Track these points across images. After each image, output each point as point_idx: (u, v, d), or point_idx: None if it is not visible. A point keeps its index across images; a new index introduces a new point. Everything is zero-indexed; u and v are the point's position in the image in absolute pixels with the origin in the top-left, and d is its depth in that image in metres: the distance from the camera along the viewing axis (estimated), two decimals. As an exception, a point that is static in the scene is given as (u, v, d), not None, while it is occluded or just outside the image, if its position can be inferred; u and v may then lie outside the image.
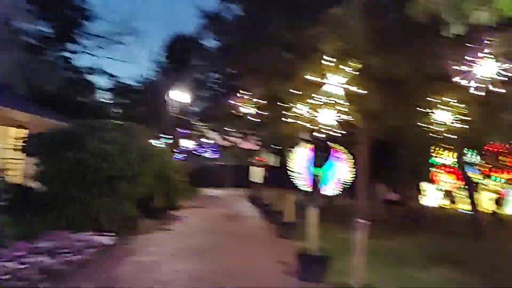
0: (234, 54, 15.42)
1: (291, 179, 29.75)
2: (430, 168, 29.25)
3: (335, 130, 11.70)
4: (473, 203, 15.29)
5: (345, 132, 11.89)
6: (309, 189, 26.25)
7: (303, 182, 30.35)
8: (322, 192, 29.36)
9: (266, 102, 13.60)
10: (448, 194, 29.26)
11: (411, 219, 19.47)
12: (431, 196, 29.44)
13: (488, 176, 27.18)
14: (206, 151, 29.83)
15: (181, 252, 9.13)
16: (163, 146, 23.20)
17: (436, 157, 28.92)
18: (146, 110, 25.29)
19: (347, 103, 10.49)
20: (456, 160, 29.04)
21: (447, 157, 28.56)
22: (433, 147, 28.32)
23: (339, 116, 11.48)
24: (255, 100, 14.43)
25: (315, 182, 24.54)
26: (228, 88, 17.42)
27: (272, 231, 12.56)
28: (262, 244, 10.85)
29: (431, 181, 29.43)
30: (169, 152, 18.99)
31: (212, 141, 29.10)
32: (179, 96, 20.97)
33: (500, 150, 26.40)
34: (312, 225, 7.59)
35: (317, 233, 7.72)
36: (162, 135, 25.06)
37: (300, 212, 12.54)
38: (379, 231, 11.10)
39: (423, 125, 11.29)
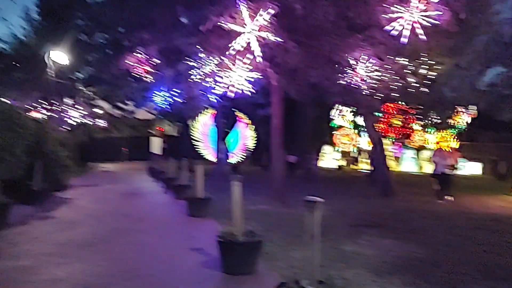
0: (123, 6, 12.86)
1: (195, 149, 27.87)
2: (331, 131, 29.40)
3: (247, 89, 10.09)
4: (379, 163, 14.87)
5: (254, 92, 10.33)
6: (214, 159, 24.73)
7: (207, 151, 28.75)
8: (229, 160, 28.04)
9: (165, 60, 11.42)
10: (347, 155, 29.67)
11: (309, 180, 19.08)
12: (331, 157, 29.71)
13: (384, 136, 27.94)
14: (96, 121, 26.54)
15: (65, 249, 6.93)
16: (43, 116, 19.74)
17: (336, 119, 29.03)
18: (21, 75, 21.34)
19: (261, 55, 8.88)
20: (351, 121, 29.71)
21: (346, 119, 28.82)
22: (336, 108, 28.37)
23: (251, 73, 9.90)
24: (152, 59, 12.15)
25: (220, 150, 23.00)
26: (119, 47, 14.76)
27: (180, 209, 10.75)
28: (170, 228, 9.00)
29: (332, 143, 29.64)
30: (49, 124, 15.96)
31: (102, 111, 25.96)
32: (61, 58, 17.67)
33: (393, 111, 27.14)
34: (236, 203, 5.94)
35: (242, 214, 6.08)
36: (41, 104, 21.43)
37: (206, 184, 10.97)
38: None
39: (343, 82, 10.18)
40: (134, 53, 12.30)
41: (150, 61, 11.72)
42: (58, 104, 20.78)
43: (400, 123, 27.03)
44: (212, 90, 12.17)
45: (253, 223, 8.73)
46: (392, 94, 11.07)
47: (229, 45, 8.51)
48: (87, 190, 14.66)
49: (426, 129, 26.79)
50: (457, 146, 24.56)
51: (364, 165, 28.45)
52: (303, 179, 19.71)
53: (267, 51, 8.82)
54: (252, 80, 10.41)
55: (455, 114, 24.74)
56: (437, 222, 9.91)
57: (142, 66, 11.95)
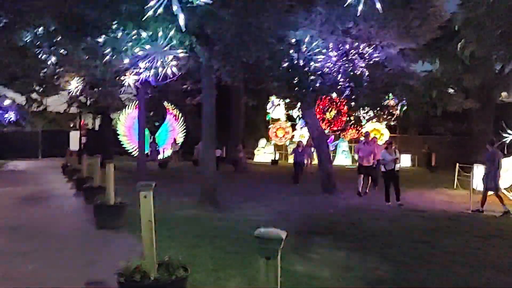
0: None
1: (119, 144, 25.08)
2: (267, 125, 27.94)
3: (172, 72, 8.15)
4: (322, 158, 13.49)
5: (180, 75, 8.41)
6: (139, 153, 22.20)
7: (132, 146, 26.04)
8: (157, 155, 25.55)
9: (68, 34, 9.01)
10: (281, 148, 28.37)
11: (242, 177, 17.56)
12: (266, 151, 28.24)
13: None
14: (5, 114, 22.93)
15: None
16: None
17: (271, 112, 27.60)
18: None
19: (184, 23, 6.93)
20: (286, 114, 28.42)
21: (281, 112, 27.49)
22: (272, 101, 26.89)
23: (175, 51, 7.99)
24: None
25: (147, 145, 20.59)
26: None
27: (88, 219, 8.52)
28: (66, 248, 6.77)
29: (267, 137, 28.19)
30: None
31: (10, 102, 22.45)
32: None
33: (326, 104, 26.20)
34: (146, 228, 3.97)
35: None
36: None
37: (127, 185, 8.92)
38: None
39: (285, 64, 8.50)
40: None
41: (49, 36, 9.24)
42: None
43: (332, 116, 26.20)
44: (130, 74, 10.03)
45: (177, 240, 6.84)
46: (339, 79, 9.60)
47: (145, 8, 6.44)
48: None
49: (360, 122, 26.12)
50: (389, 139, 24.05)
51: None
52: (233, 176, 18.02)
53: (194, 19, 6.88)
54: (176, 62, 8.48)
55: (387, 107, 24.15)
56: (392, 224, 8.57)
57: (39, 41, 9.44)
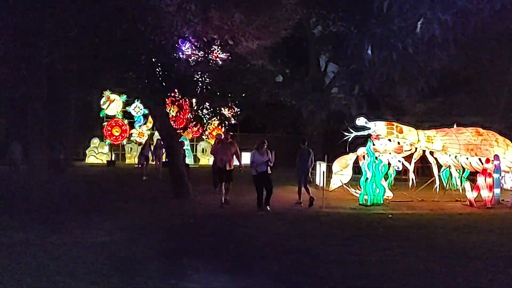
0: None
1: None
2: (101, 122, 24.96)
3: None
4: (173, 159, 12.17)
5: None
6: None
7: None
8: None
9: None
10: (117, 149, 25.80)
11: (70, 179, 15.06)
12: (100, 151, 25.30)
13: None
14: None
15: None
16: None
17: (106, 109, 24.81)
18: None
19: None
20: (122, 111, 25.81)
21: (117, 108, 24.94)
22: (106, 96, 24.05)
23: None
24: None
25: None
26: None
27: None
28: None
29: (102, 136, 25.27)
30: None
31: None
32: None
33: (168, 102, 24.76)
34: None
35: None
36: None
37: None
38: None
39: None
40: None
41: None
42: None
43: (174, 114, 24.85)
44: None
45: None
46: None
47: None
48: None
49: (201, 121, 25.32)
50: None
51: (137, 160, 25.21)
52: (59, 180, 15.34)
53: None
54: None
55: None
56: (262, 232, 7.82)
57: None
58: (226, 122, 24.21)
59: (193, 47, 8.11)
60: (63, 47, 6.56)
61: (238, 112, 21.23)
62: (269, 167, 9.59)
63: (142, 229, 7.89)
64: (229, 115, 22.22)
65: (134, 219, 8.77)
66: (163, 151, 15.99)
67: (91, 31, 6.06)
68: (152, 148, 16.92)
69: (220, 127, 24.21)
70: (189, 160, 25.34)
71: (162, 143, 16.58)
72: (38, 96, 7.35)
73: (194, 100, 19.79)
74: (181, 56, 8.26)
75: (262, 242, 7.11)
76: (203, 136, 25.12)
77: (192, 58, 8.09)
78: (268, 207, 9.66)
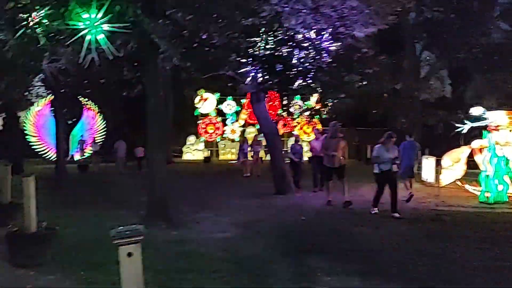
0: None
1: (29, 146, 21.54)
2: (196, 120, 25.80)
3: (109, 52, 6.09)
4: (275, 156, 11.97)
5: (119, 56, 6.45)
6: (53, 156, 19.00)
7: (45, 148, 22.52)
8: (74, 156, 22.29)
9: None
10: (212, 145, 26.46)
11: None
12: (196, 148, 26.17)
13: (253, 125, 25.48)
14: None
15: None
16: None
17: (200, 107, 25.55)
18: None
19: None
20: (216, 109, 26.41)
21: (211, 107, 25.58)
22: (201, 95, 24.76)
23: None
24: None
25: (59, 146, 17.43)
26: None
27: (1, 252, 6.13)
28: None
29: (197, 133, 26.12)
30: None
31: None
32: None
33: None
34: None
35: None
36: None
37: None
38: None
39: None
40: None
41: None
42: None
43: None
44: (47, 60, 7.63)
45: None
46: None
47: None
48: None
49: (293, 116, 25.13)
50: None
51: (230, 156, 25.67)
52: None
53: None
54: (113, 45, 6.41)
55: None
56: (382, 233, 7.28)
57: None
58: (317, 116, 23.81)
59: (304, 38, 7.76)
60: (182, 45, 6.59)
61: (329, 106, 20.61)
62: (395, 165, 8.51)
63: (255, 226, 7.76)
64: (321, 109, 21.77)
65: (245, 216, 8.69)
66: (261, 148, 15.98)
67: (212, 23, 6.01)
68: (249, 145, 16.95)
69: (310, 121, 23.91)
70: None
71: (259, 139, 16.62)
72: (154, 95, 7.46)
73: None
74: (294, 47, 7.97)
75: (386, 243, 6.58)
76: (293, 132, 24.82)
77: (305, 49, 7.75)
78: (397, 213, 8.33)
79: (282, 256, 5.82)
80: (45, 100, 22.79)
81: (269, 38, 7.51)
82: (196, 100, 25.27)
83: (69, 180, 15.24)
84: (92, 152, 22.20)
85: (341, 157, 9.51)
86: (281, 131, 24.93)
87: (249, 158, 16.48)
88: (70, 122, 24.22)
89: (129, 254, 2.29)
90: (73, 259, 5.75)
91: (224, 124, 25.80)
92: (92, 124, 24.48)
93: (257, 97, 11.63)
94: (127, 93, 13.46)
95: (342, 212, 9.10)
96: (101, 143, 23.39)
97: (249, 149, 16.47)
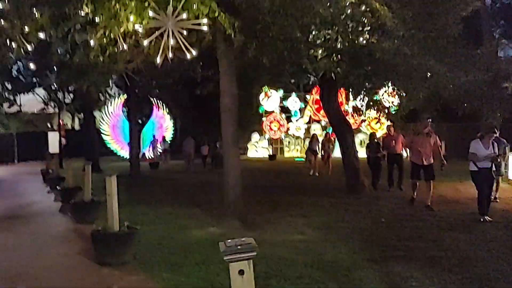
0: None
1: (104, 144, 22.54)
2: (260, 118, 25.72)
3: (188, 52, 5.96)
4: (347, 152, 11.41)
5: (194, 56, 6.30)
6: (127, 155, 19.71)
7: (118, 146, 23.51)
8: (145, 154, 23.07)
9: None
10: (276, 143, 26.25)
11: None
12: (260, 146, 26.12)
13: (318, 121, 24.94)
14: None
15: None
16: None
17: (264, 104, 25.42)
18: None
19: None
20: (280, 106, 26.15)
21: (275, 104, 25.35)
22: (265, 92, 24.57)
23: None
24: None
25: (133, 144, 18.08)
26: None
27: (85, 250, 6.28)
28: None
29: (261, 131, 26.05)
30: None
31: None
32: None
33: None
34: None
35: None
36: None
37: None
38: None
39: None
40: None
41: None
42: None
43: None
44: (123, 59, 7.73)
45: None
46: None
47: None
48: None
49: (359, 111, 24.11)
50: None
51: (294, 153, 25.32)
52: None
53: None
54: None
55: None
56: (476, 238, 6.59)
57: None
58: (385, 112, 22.62)
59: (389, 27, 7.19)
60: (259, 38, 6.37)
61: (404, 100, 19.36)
62: (495, 164, 7.77)
63: (333, 228, 7.38)
64: (392, 104, 20.67)
65: (319, 216, 8.34)
66: (333, 145, 15.46)
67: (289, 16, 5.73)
68: (319, 142, 16.45)
69: (380, 117, 22.83)
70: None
71: (330, 137, 16.11)
72: (229, 92, 7.30)
73: (350, 90, 18.75)
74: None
75: (483, 250, 5.92)
76: (361, 127, 23.96)
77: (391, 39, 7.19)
78: (487, 216, 7.63)
79: (368, 262, 5.40)
80: (119, 100, 23.80)
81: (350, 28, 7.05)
82: (260, 97, 25.14)
83: (142, 177, 15.71)
84: (162, 150, 22.84)
85: (432, 155, 8.85)
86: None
87: (319, 156, 16.02)
88: (140, 121, 25.18)
89: (241, 272, 2.04)
90: (154, 259, 5.73)
91: (289, 121, 25.47)
92: (161, 123, 25.24)
93: (328, 91, 11.18)
94: (200, 92, 13.53)
95: (423, 214, 8.44)
96: (170, 141, 24.04)
97: (318, 146, 16.01)
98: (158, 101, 24.70)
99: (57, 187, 11.50)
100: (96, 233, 5.77)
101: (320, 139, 16.71)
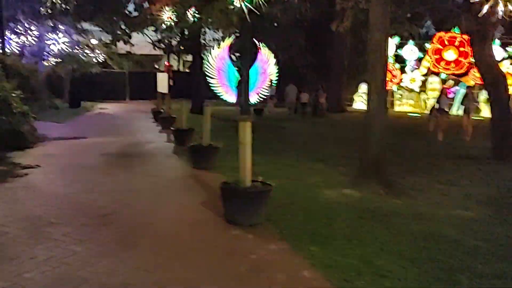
0: None
1: (209, 88, 22.13)
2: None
3: None
4: (501, 108, 9.33)
5: None
6: (233, 100, 19.08)
7: (223, 90, 23.01)
8: (250, 99, 22.30)
9: None
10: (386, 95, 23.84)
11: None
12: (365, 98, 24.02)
13: (436, 74, 22.03)
14: (88, 53, 20.73)
15: None
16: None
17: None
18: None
19: None
20: (394, 55, 23.45)
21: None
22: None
23: None
24: None
25: (239, 89, 17.22)
26: None
27: (208, 200, 5.52)
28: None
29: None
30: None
31: (96, 41, 20.14)
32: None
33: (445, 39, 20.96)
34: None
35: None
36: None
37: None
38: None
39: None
40: None
41: None
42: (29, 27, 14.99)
43: (455, 55, 21.04)
44: None
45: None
46: None
47: None
48: (61, 148, 9.38)
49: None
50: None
51: (407, 108, 22.89)
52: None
53: None
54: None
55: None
56: None
57: None
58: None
59: None
60: None
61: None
62: None
63: (502, 204, 5.80)
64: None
65: (477, 187, 6.74)
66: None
67: None
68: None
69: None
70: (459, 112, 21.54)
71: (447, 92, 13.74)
72: (381, 25, 5.78)
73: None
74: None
75: None
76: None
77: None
78: None
79: None
80: (225, 43, 23.03)
81: None
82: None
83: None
84: (266, 96, 21.93)
85: None
86: (471, 82, 21.03)
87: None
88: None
89: None
90: (291, 223, 4.76)
91: (403, 72, 22.88)
92: (265, 68, 24.16)
93: (483, 35, 9.03)
94: (335, 28, 12.05)
95: None
96: (274, 87, 23.01)
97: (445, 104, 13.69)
98: (263, 44, 23.51)
99: (171, 127, 11.11)
100: (226, 189, 4.89)
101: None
